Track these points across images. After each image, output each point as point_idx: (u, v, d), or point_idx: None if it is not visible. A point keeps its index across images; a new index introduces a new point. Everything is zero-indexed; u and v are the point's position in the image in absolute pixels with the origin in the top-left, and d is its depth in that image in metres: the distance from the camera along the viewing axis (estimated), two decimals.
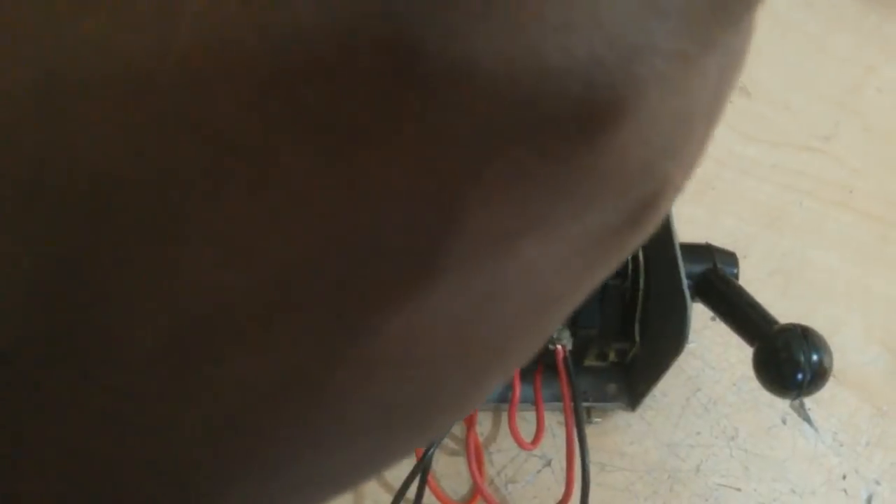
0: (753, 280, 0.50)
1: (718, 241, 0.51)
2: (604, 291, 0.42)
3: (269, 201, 0.09)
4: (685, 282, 0.38)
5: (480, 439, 0.46)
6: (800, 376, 0.36)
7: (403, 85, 0.09)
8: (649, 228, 0.13)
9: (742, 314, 0.40)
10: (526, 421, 0.44)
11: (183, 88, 0.08)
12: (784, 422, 0.47)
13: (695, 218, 0.52)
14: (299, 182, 0.09)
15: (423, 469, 0.41)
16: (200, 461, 0.10)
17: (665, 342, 0.40)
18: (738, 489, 0.45)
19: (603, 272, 0.13)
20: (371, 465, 0.13)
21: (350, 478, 0.13)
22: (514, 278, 0.11)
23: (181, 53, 0.08)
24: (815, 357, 0.36)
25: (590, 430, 0.46)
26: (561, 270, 0.12)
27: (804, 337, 0.36)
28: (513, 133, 0.10)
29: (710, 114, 0.12)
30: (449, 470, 0.45)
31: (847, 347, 0.49)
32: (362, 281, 0.10)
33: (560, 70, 0.09)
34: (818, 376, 0.36)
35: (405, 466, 0.41)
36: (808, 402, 0.47)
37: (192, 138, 0.08)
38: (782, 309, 0.49)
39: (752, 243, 0.51)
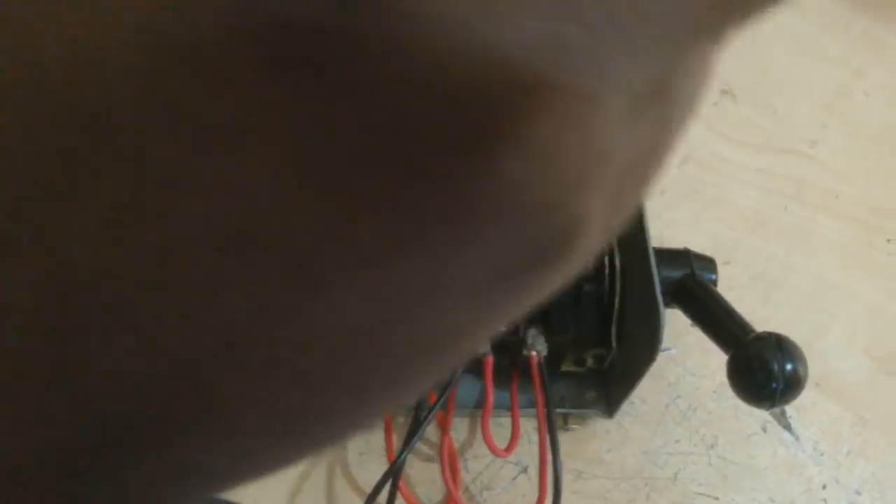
0: (736, 285, 0.50)
1: (701, 245, 0.50)
2: (578, 297, 0.41)
3: (146, 185, 0.09)
4: (658, 287, 0.38)
5: (456, 445, 0.45)
6: (773, 385, 0.35)
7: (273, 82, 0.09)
8: (567, 267, 0.12)
9: (718, 321, 0.40)
10: (503, 427, 0.44)
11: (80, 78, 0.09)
12: (764, 430, 0.46)
13: (677, 222, 0.51)
14: (172, 169, 0.09)
15: (394, 474, 0.41)
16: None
17: (640, 349, 0.39)
18: (716, 498, 0.44)
19: (516, 307, 0.13)
20: (250, 466, 0.13)
21: (229, 475, 0.13)
22: (398, 298, 0.11)
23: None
24: (788, 366, 0.35)
25: (567, 437, 0.46)
26: (459, 299, 0.12)
27: (778, 346, 0.36)
28: (382, 149, 0.09)
29: (643, 158, 0.12)
30: (423, 476, 0.44)
31: (829, 355, 0.48)
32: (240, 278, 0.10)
33: (436, 90, 0.09)
34: (792, 386, 0.35)
35: (378, 471, 0.41)
36: (789, 409, 0.47)
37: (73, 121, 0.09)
38: (764, 315, 0.49)
39: (736, 248, 0.51)
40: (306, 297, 0.10)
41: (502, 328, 0.14)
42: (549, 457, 0.40)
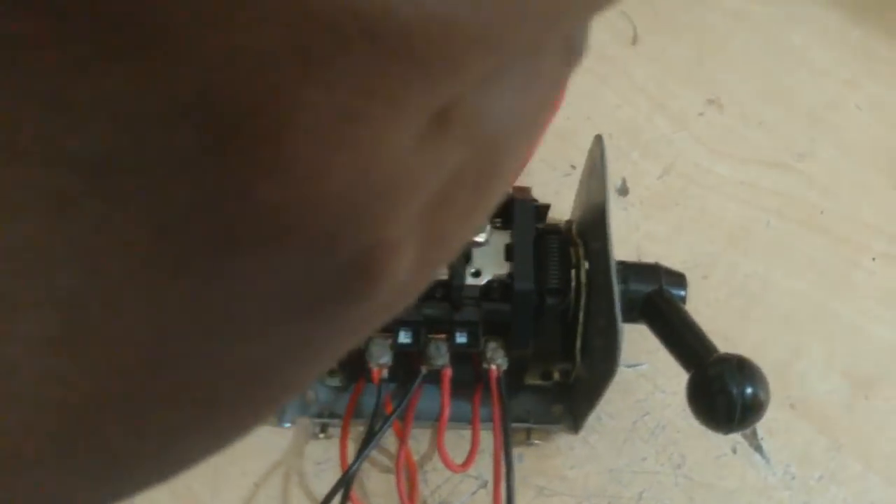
0: (712, 301, 0.48)
1: (679, 259, 0.49)
2: (541, 311, 0.40)
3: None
4: (618, 301, 0.36)
5: (417, 457, 0.44)
6: (731, 409, 0.34)
7: None
8: (382, 301, 0.11)
9: (682, 339, 0.38)
10: (466, 440, 0.43)
11: None
12: (734, 451, 0.45)
13: (655, 234, 0.50)
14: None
15: (346, 484, 0.40)
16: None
17: (602, 363, 0.38)
18: None
19: (336, 341, 0.12)
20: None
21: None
22: (179, 328, 0.10)
23: None
24: (748, 390, 0.34)
25: (530, 452, 0.45)
26: (252, 332, 0.11)
27: (739, 368, 0.34)
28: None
29: (459, 185, 0.11)
30: (381, 488, 0.43)
31: (806, 376, 0.47)
32: None
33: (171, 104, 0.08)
34: (751, 410, 0.34)
35: (334, 481, 0.40)
36: (761, 431, 0.46)
37: None
38: (740, 333, 0.48)
39: (714, 263, 0.50)
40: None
41: (333, 362, 0.13)
42: (504, 472, 0.39)
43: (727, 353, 0.36)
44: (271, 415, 0.13)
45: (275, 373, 0.12)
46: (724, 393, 0.34)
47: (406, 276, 0.11)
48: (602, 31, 0.57)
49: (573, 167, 0.52)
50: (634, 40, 0.57)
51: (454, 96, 0.09)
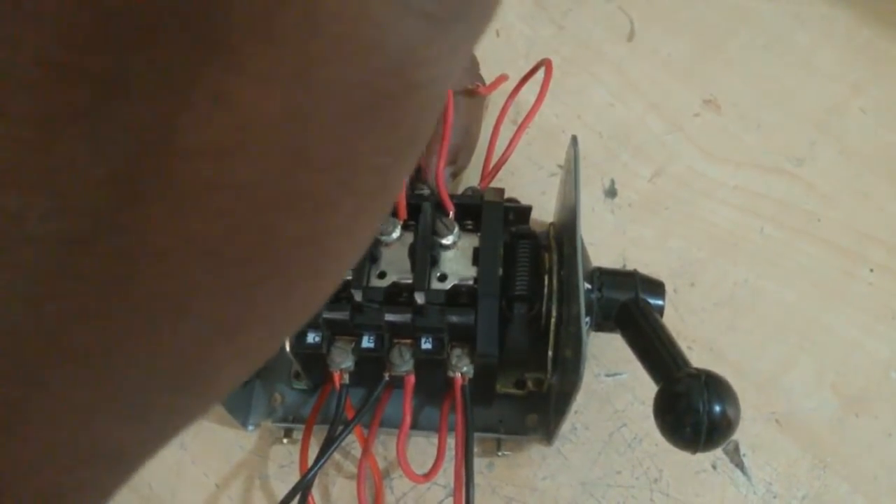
0: (698, 309, 0.47)
1: (666, 265, 0.47)
2: (506, 318, 0.39)
3: None
4: (583, 306, 0.35)
5: (385, 464, 0.43)
6: (698, 428, 0.32)
7: None
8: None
9: (653, 351, 0.37)
10: (435, 446, 0.42)
11: None
12: (714, 467, 0.43)
13: (641, 239, 0.49)
14: None
15: (303, 488, 0.39)
16: None
17: (570, 372, 0.37)
18: None
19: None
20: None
21: None
22: None
23: None
24: (716, 408, 0.32)
25: (500, 462, 0.43)
26: None
27: (706, 385, 0.33)
28: None
29: None
30: (344, 494, 0.42)
31: (794, 391, 0.45)
32: None
33: None
34: (718, 430, 0.32)
35: (293, 485, 0.39)
36: (744, 447, 0.44)
37: None
38: (726, 344, 0.46)
39: (702, 270, 0.48)
40: None
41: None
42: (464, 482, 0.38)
43: (697, 369, 0.34)
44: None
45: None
46: (691, 410, 0.32)
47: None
48: (597, 26, 0.55)
49: (560, 167, 0.50)
50: (631, 36, 0.55)
51: None
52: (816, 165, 0.51)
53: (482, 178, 0.46)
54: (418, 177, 0.39)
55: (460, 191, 0.44)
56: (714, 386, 0.33)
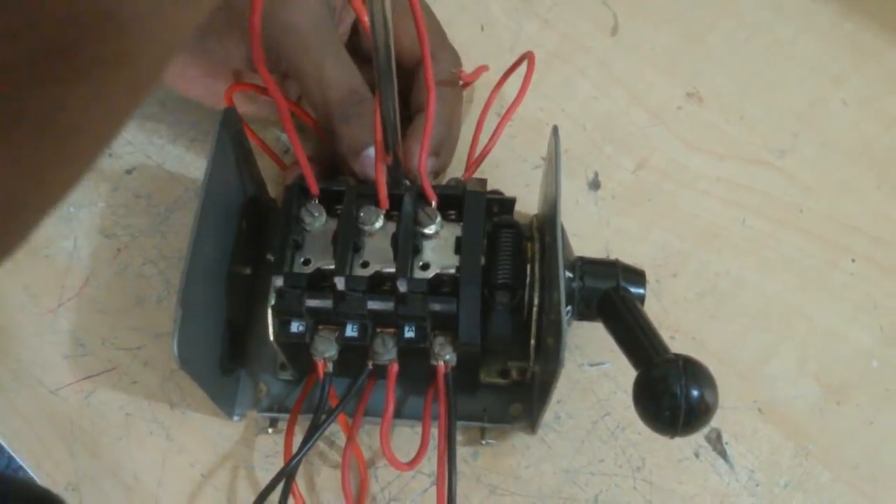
0: (681, 300, 0.47)
1: (649, 256, 0.48)
2: (487, 306, 0.39)
3: None
4: (563, 294, 0.35)
5: (369, 454, 0.43)
6: (675, 412, 0.33)
7: None
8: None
9: (633, 338, 0.37)
10: (419, 435, 0.42)
11: None
12: (697, 455, 0.44)
13: (625, 230, 0.49)
14: None
15: (287, 475, 0.39)
16: None
17: (551, 361, 0.37)
18: None
19: None
20: None
21: None
22: None
23: None
24: (694, 392, 0.33)
25: (484, 451, 0.44)
26: None
27: (683, 369, 0.33)
28: None
29: None
30: (329, 483, 0.43)
31: (777, 379, 0.45)
32: None
33: None
34: (696, 413, 0.33)
35: (273, 474, 0.39)
36: (726, 435, 0.44)
37: None
38: (708, 333, 0.46)
39: (685, 261, 0.48)
40: None
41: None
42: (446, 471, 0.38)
43: (674, 354, 0.34)
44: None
45: None
46: (669, 395, 0.33)
47: None
48: (582, 20, 0.55)
49: (544, 159, 0.50)
50: (615, 30, 0.55)
51: None
52: (799, 157, 0.51)
53: (465, 170, 0.47)
54: (399, 170, 0.40)
55: (445, 180, 0.45)
56: (691, 370, 0.33)
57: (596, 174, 0.50)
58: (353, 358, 0.40)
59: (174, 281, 0.47)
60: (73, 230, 0.49)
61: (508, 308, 0.40)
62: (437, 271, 0.39)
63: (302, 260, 0.39)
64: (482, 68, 0.50)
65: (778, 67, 0.54)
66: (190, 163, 0.50)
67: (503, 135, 0.48)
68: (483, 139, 0.48)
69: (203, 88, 0.45)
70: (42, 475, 0.43)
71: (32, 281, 0.47)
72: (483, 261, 0.39)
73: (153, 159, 0.51)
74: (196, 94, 0.46)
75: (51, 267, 0.48)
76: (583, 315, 0.41)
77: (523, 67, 0.49)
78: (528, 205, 0.48)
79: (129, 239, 0.48)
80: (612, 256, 0.43)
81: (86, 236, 0.48)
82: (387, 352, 0.39)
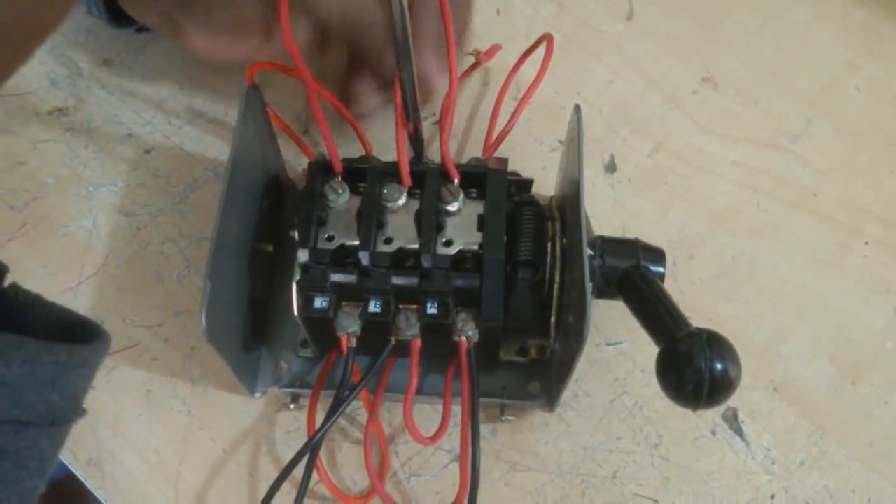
0: (697, 281, 0.48)
1: (666, 238, 0.48)
2: (510, 283, 0.39)
3: None
4: (587, 272, 0.36)
5: (390, 430, 0.44)
6: (699, 385, 0.33)
7: None
8: None
9: (655, 315, 0.37)
10: (439, 413, 0.42)
11: None
12: (713, 433, 0.44)
13: (643, 212, 0.49)
14: None
15: (311, 449, 0.39)
16: None
17: (573, 339, 0.37)
18: (655, 501, 0.42)
19: None
20: None
21: None
22: None
23: None
24: (718, 366, 0.33)
25: (503, 428, 0.44)
26: None
27: (708, 343, 0.33)
28: None
29: None
30: (351, 459, 0.43)
31: (792, 359, 0.46)
32: None
33: None
34: (719, 387, 0.33)
35: (294, 450, 0.39)
36: (742, 413, 0.45)
37: None
38: (724, 314, 0.47)
39: (701, 243, 0.49)
40: None
41: None
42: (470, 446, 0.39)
43: (697, 328, 0.35)
44: None
45: None
46: (693, 368, 0.33)
47: None
48: (597, 4, 0.56)
49: (560, 142, 0.51)
50: (630, 15, 0.56)
51: None
52: (812, 141, 0.52)
53: (484, 150, 0.47)
54: (422, 143, 0.40)
55: (464, 161, 0.45)
56: (715, 344, 0.34)
57: (612, 157, 0.51)
58: (375, 336, 0.40)
59: (194, 259, 0.47)
60: (92, 209, 0.49)
61: (530, 286, 0.40)
62: (461, 247, 0.39)
63: (326, 236, 0.39)
64: (496, 47, 0.51)
65: (792, 54, 0.55)
66: (209, 143, 0.51)
67: (520, 118, 0.48)
68: (500, 122, 0.48)
69: (234, 51, 0.42)
70: (64, 451, 0.43)
71: (51, 259, 0.47)
72: (505, 238, 0.40)
73: (172, 140, 0.51)
74: (229, 56, 0.43)
75: (70, 245, 0.48)
76: (602, 293, 0.41)
77: (540, 51, 0.49)
78: (545, 187, 0.48)
79: (148, 218, 0.49)
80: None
81: (105, 215, 0.49)
82: (410, 327, 0.39)
